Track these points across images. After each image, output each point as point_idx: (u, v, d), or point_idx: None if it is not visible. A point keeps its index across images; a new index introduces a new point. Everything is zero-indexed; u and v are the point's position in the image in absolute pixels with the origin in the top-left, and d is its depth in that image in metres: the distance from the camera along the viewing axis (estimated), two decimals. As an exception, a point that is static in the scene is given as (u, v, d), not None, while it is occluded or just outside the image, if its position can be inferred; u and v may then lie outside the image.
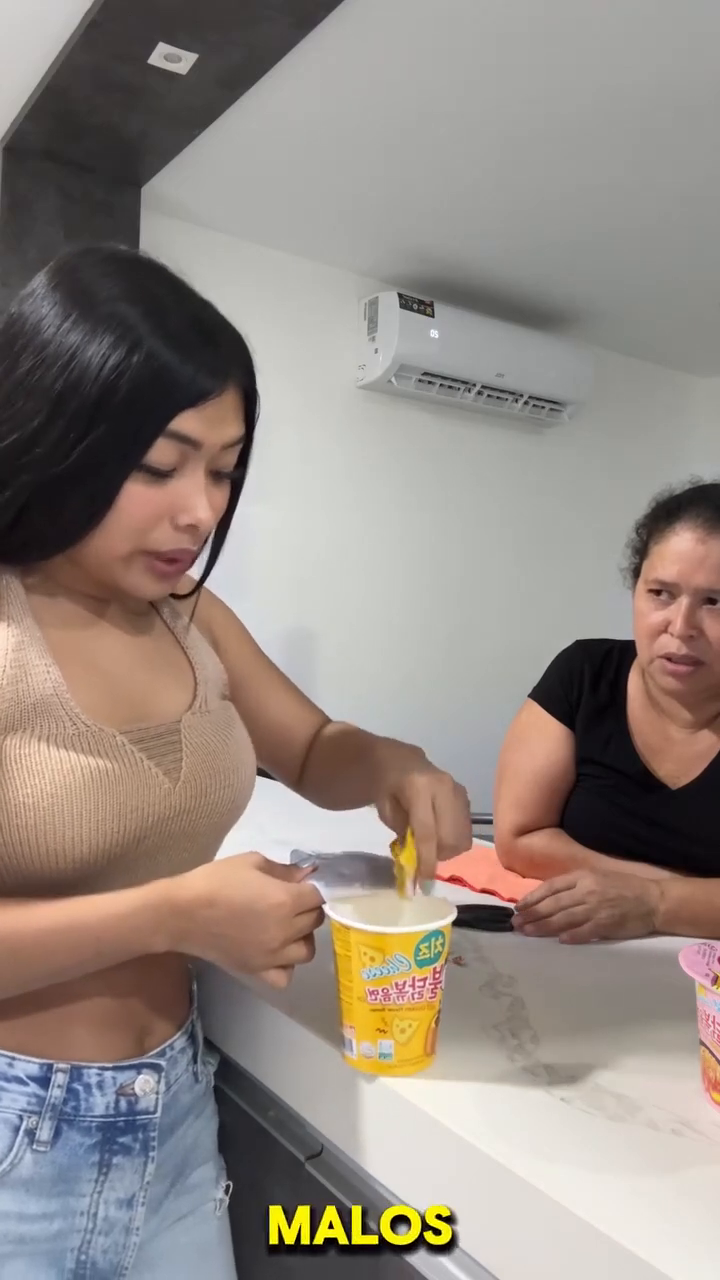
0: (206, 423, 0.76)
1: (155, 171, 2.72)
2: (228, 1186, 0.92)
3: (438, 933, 0.76)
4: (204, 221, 3.08)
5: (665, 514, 1.29)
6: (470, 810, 0.87)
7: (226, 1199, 0.92)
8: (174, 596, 0.95)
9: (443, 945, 0.77)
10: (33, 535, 0.77)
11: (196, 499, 0.77)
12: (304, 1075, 0.88)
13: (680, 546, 1.24)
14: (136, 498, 0.75)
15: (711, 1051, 0.74)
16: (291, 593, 3.31)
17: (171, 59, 2.14)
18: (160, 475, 0.76)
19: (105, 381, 0.72)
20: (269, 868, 0.76)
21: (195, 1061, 0.90)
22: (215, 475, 0.80)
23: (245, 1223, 0.94)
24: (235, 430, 0.79)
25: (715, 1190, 0.64)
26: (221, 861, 0.77)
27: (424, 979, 0.75)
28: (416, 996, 0.75)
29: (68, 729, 0.76)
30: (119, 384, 0.72)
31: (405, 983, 0.75)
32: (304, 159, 2.67)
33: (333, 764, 1.02)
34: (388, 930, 0.75)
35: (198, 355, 0.74)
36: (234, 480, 0.83)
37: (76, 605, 0.84)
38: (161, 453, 0.75)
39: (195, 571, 0.90)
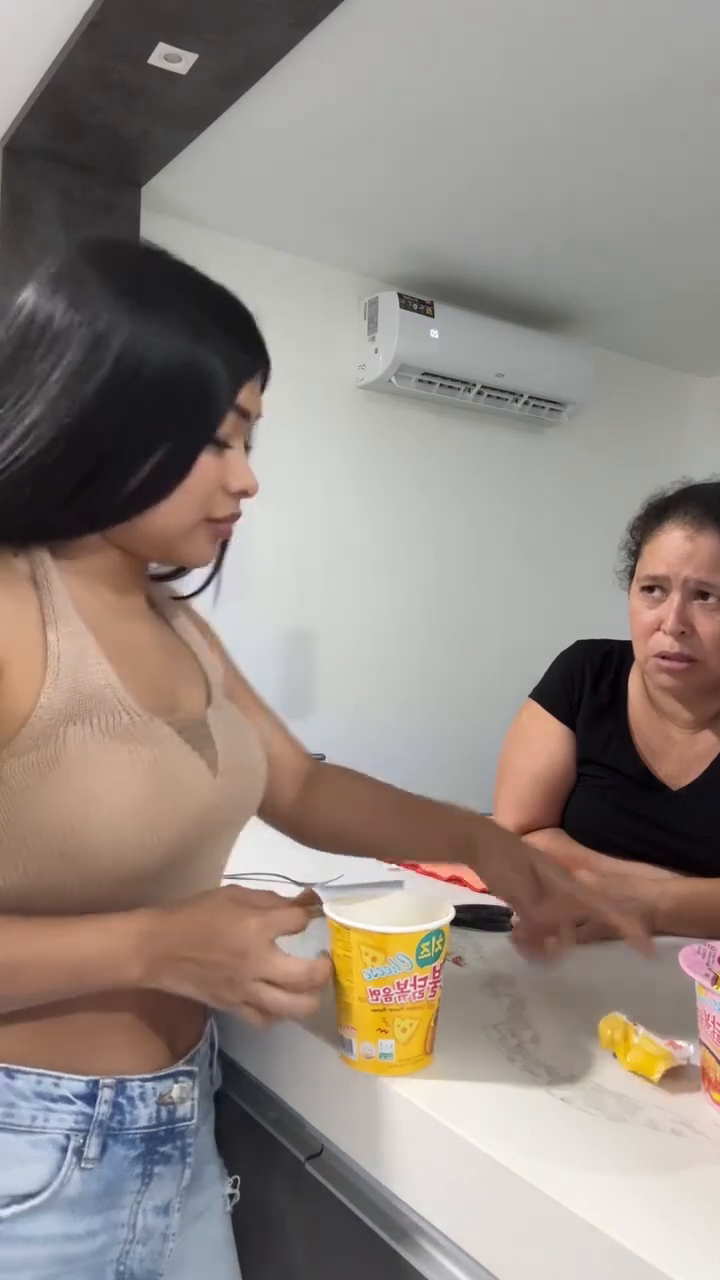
0: (254, 396, 0.83)
1: (155, 171, 2.72)
2: (235, 1181, 0.93)
3: (438, 932, 0.76)
4: (204, 221, 3.08)
5: (655, 514, 1.31)
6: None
7: (236, 1194, 0.92)
8: (173, 597, 0.96)
9: (442, 944, 0.77)
10: (91, 508, 0.78)
11: (245, 467, 0.84)
12: (304, 1075, 0.88)
13: (670, 543, 1.25)
14: (205, 467, 0.80)
15: (711, 1051, 0.74)
16: (291, 592, 3.31)
17: (171, 59, 2.14)
18: (221, 446, 0.81)
19: (187, 364, 0.76)
20: (244, 896, 0.75)
21: (210, 1065, 0.90)
22: (246, 448, 0.85)
23: (245, 1222, 0.94)
24: (263, 405, 0.86)
25: (715, 1190, 0.64)
26: (199, 892, 0.77)
27: (424, 978, 0.76)
28: (418, 996, 0.76)
29: (122, 720, 0.76)
30: (199, 365, 0.77)
31: (407, 982, 0.75)
32: (304, 159, 2.67)
33: (369, 816, 1.04)
34: (390, 930, 0.75)
35: (246, 332, 0.81)
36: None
37: (108, 595, 0.84)
38: (226, 425, 0.80)
39: (197, 578, 0.92)
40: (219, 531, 0.85)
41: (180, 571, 0.94)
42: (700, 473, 1.40)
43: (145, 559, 0.86)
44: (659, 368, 4.28)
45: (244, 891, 0.76)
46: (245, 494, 0.84)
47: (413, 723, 3.55)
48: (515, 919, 1.16)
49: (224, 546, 0.91)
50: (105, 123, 2.45)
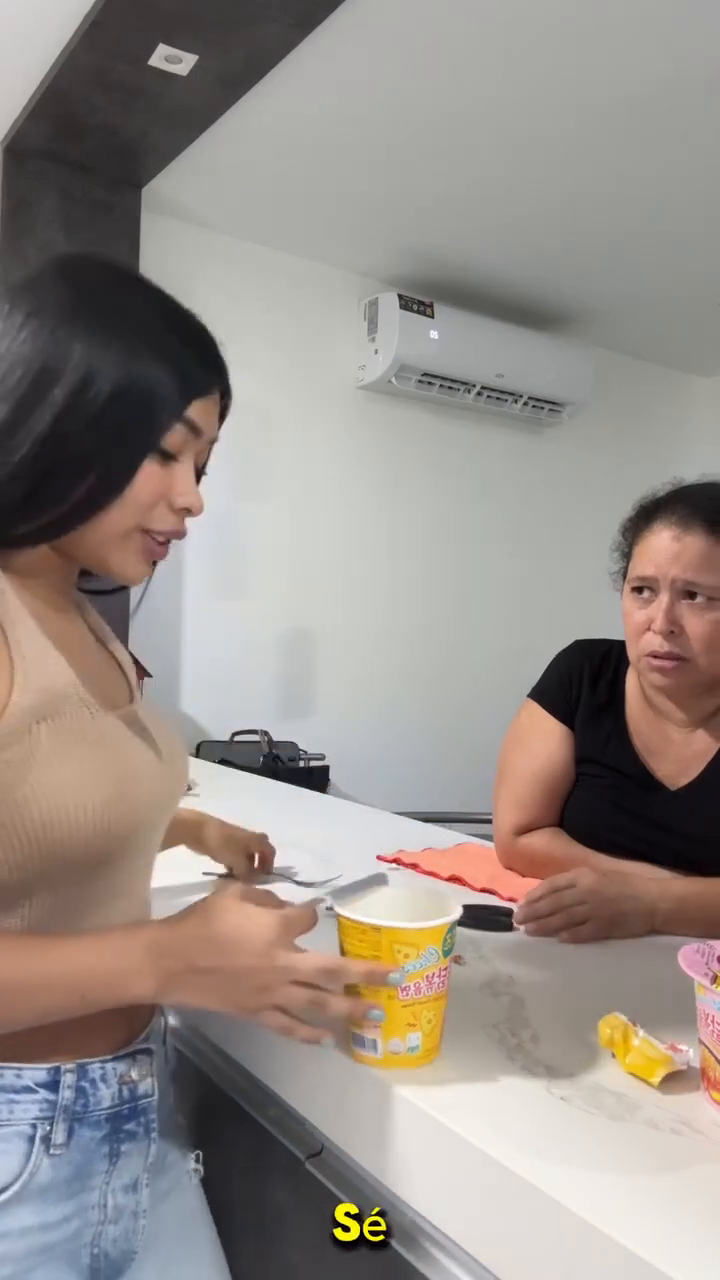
0: (207, 415, 0.83)
1: (155, 172, 2.73)
2: (198, 1155, 0.93)
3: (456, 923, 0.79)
4: (204, 221, 3.08)
5: (645, 515, 1.32)
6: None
7: (200, 1168, 0.93)
8: (87, 591, 0.97)
9: (455, 933, 0.79)
10: (39, 517, 0.78)
11: (190, 485, 0.83)
12: (304, 1075, 0.88)
13: (658, 544, 1.26)
14: (149, 476, 0.80)
15: (711, 1051, 0.74)
16: (291, 592, 3.31)
17: (172, 60, 2.15)
18: (168, 457, 0.81)
19: (133, 371, 0.77)
20: (253, 896, 0.76)
21: (165, 1042, 0.91)
22: (197, 470, 0.85)
23: (245, 1223, 0.94)
24: (217, 429, 0.86)
25: (715, 1190, 0.64)
26: (205, 898, 0.76)
27: (446, 968, 0.78)
28: (441, 986, 0.78)
29: (85, 716, 0.78)
30: (146, 373, 0.78)
31: (434, 974, 0.77)
32: (304, 159, 2.67)
33: None
34: (423, 925, 0.76)
35: (206, 352, 0.83)
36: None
37: (46, 593, 0.85)
38: (173, 436, 0.81)
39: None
40: (152, 550, 0.84)
41: (120, 589, 0.95)
42: (702, 472, 1.40)
43: (78, 565, 0.87)
44: (659, 368, 4.28)
45: (249, 892, 0.76)
46: (189, 512, 0.84)
47: (411, 722, 3.55)
48: (516, 917, 1.16)
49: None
50: (105, 123, 2.45)
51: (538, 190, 2.79)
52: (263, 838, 1.29)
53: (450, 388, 3.46)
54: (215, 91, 2.29)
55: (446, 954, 0.77)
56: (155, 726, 0.90)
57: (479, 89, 2.31)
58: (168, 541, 0.85)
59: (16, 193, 2.64)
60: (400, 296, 3.27)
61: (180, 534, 0.85)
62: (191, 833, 1.24)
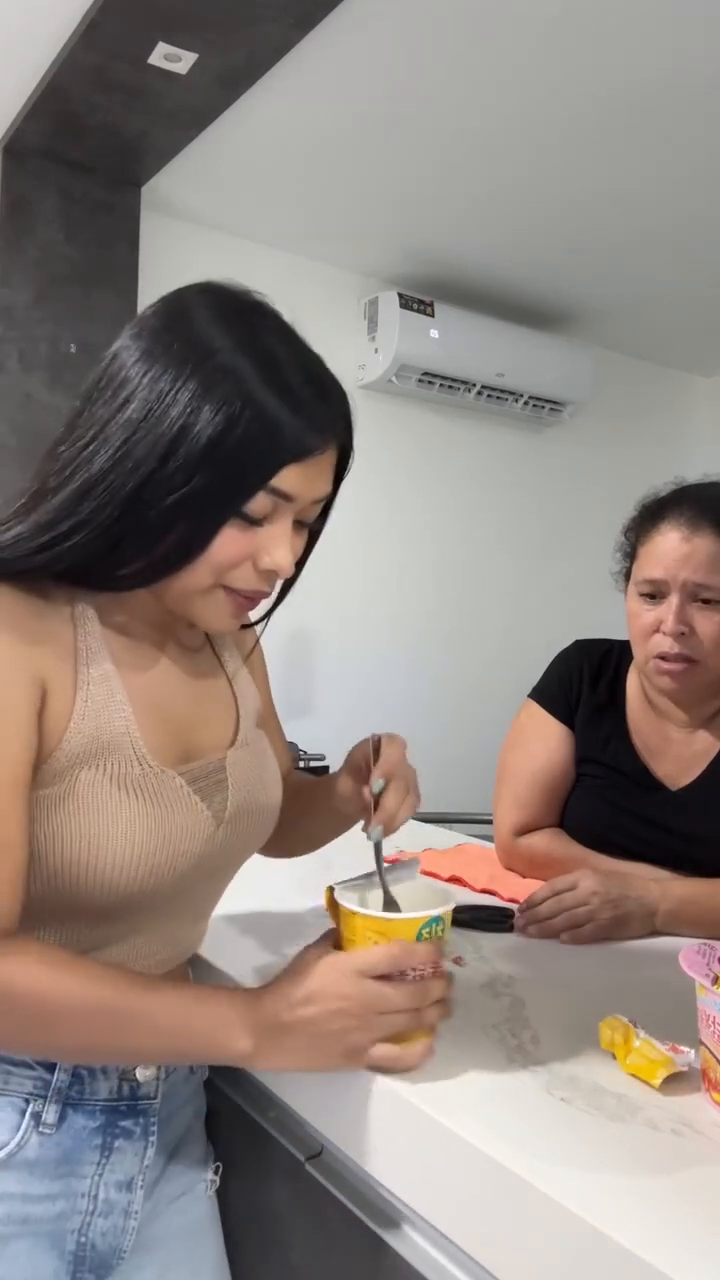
0: (304, 479, 0.77)
1: (155, 171, 2.73)
2: (217, 1167, 0.94)
3: (436, 919, 0.77)
4: (204, 221, 3.08)
5: (650, 516, 1.31)
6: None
7: (216, 1180, 0.94)
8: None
9: (443, 931, 0.78)
10: (126, 566, 0.78)
11: (281, 547, 0.78)
12: (304, 1075, 0.88)
13: (666, 545, 1.25)
14: (229, 541, 0.77)
15: (711, 1051, 0.74)
16: (291, 592, 3.30)
17: (171, 59, 2.14)
18: (253, 522, 0.77)
19: (215, 433, 0.72)
20: (324, 949, 0.76)
21: None
22: (299, 524, 0.81)
23: (245, 1223, 0.94)
24: (326, 488, 0.81)
25: (715, 1190, 0.64)
26: (316, 968, 0.74)
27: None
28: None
29: (135, 770, 0.77)
30: (228, 437, 0.73)
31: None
32: (304, 159, 2.67)
33: (293, 806, 1.02)
34: (395, 917, 0.77)
35: (306, 412, 0.75)
36: (312, 529, 0.85)
37: (145, 639, 0.85)
38: (259, 503, 0.76)
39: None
40: (238, 605, 0.82)
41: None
42: (700, 473, 1.40)
43: (167, 616, 0.85)
44: (659, 368, 4.28)
45: (320, 948, 0.77)
46: (273, 573, 0.80)
47: (411, 722, 3.53)
48: (517, 922, 1.16)
49: (286, 591, 0.91)
50: (105, 123, 2.45)
51: (538, 189, 2.79)
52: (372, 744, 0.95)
53: (450, 387, 3.46)
54: (215, 90, 2.28)
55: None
56: (244, 780, 0.87)
57: (479, 88, 2.31)
58: (253, 599, 0.82)
59: (16, 192, 2.64)
60: (400, 296, 3.27)
61: (264, 594, 0.83)
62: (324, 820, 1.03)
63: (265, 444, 0.74)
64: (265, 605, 0.90)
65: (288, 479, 0.76)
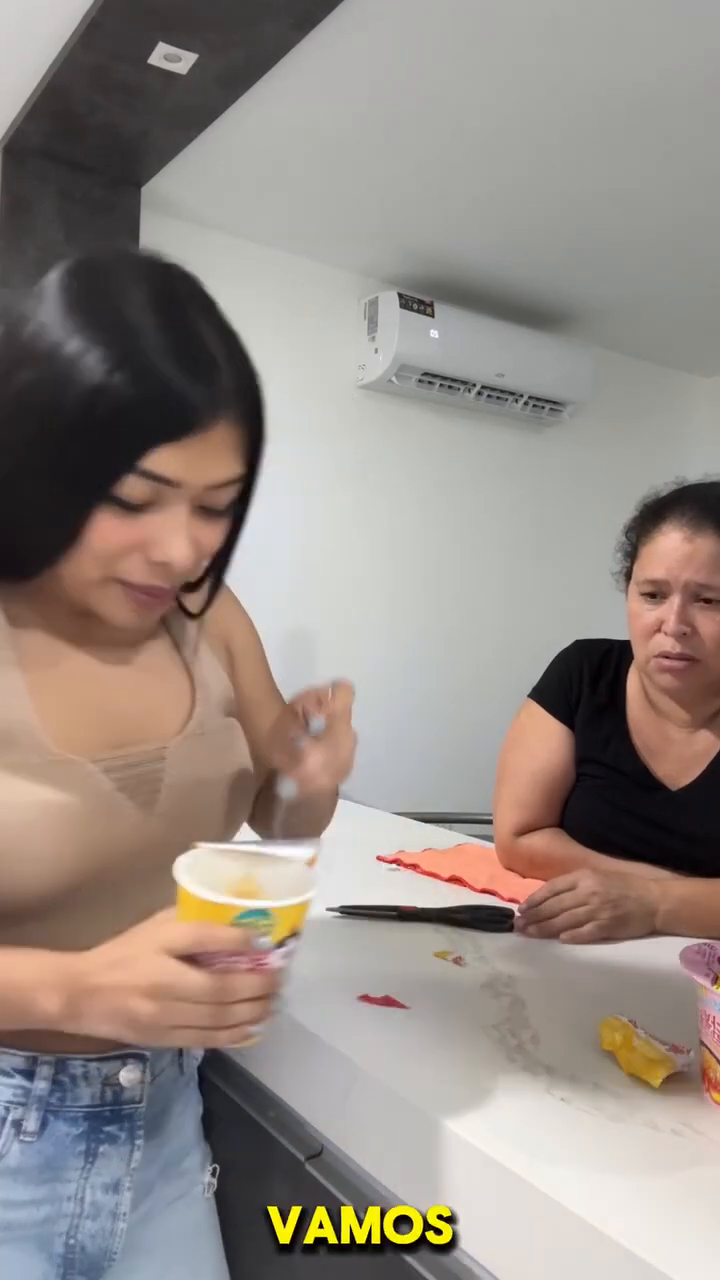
0: (188, 462, 0.69)
1: (155, 171, 2.72)
2: (214, 1170, 0.93)
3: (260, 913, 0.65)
4: (204, 221, 3.08)
5: (651, 515, 1.31)
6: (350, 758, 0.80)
7: (214, 1182, 0.93)
8: (185, 613, 0.91)
9: (270, 926, 0.65)
10: (7, 554, 0.75)
11: (172, 538, 0.71)
12: (304, 1075, 0.88)
13: (668, 546, 1.25)
14: (106, 530, 0.70)
15: (711, 1051, 0.74)
16: (290, 592, 3.31)
17: (171, 59, 2.14)
18: (132, 509, 0.70)
19: (71, 418, 0.67)
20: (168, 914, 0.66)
21: (180, 1053, 0.89)
22: (206, 510, 0.74)
23: (245, 1223, 0.94)
24: (226, 471, 0.73)
25: (715, 1190, 0.64)
26: (135, 932, 0.67)
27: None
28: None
29: (33, 760, 0.73)
30: (87, 420, 0.67)
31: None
32: (304, 159, 2.67)
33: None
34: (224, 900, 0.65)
35: (176, 389, 0.67)
36: (237, 512, 0.78)
37: (63, 626, 0.80)
38: (133, 488, 0.69)
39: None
40: (138, 600, 0.75)
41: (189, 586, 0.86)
42: (701, 472, 1.40)
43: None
44: (659, 368, 4.28)
45: (169, 911, 0.67)
46: (167, 566, 0.73)
47: (412, 722, 3.54)
48: (517, 923, 1.16)
49: (219, 578, 0.84)
50: (105, 122, 2.45)
51: (538, 190, 2.79)
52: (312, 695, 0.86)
53: (450, 387, 3.46)
54: (215, 90, 2.28)
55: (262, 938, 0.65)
56: (188, 772, 0.81)
57: (479, 89, 2.31)
58: (156, 594, 0.75)
59: (16, 192, 2.64)
60: (400, 296, 3.27)
61: (163, 589, 0.75)
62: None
63: (126, 425, 0.67)
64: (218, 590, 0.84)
65: (162, 462, 0.68)
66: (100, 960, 0.67)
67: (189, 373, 0.68)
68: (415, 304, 3.30)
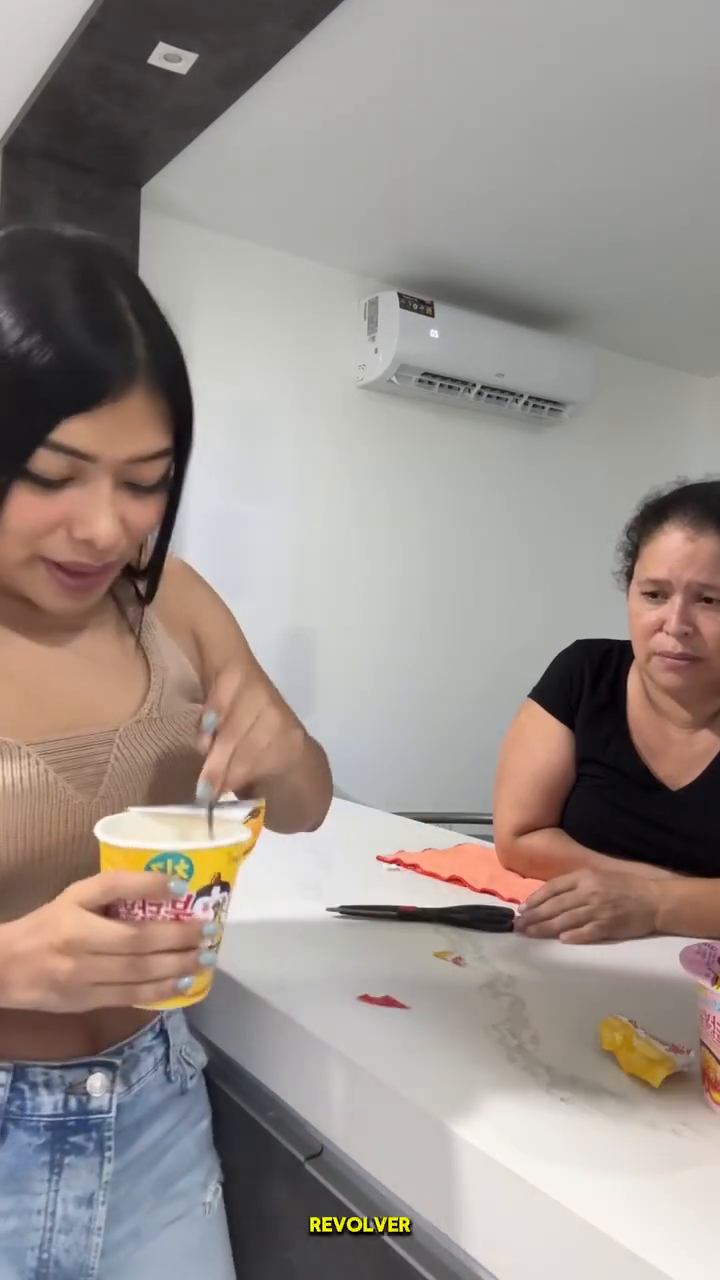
0: (101, 434, 0.67)
1: (155, 171, 2.73)
2: (216, 1189, 0.91)
3: (172, 856, 0.64)
4: (204, 221, 3.08)
5: (653, 515, 1.31)
6: (287, 741, 0.77)
7: (215, 1201, 0.90)
8: (139, 597, 0.89)
9: (187, 872, 0.64)
10: None
11: (94, 514, 0.69)
12: (304, 1075, 0.88)
13: (670, 545, 1.25)
14: (24, 506, 0.69)
15: (711, 1051, 0.74)
16: (291, 593, 3.31)
17: (171, 59, 2.14)
18: (50, 485, 0.68)
19: None
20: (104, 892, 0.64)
21: (167, 1061, 0.87)
22: (133, 487, 0.72)
23: (245, 1223, 0.94)
24: (146, 444, 0.70)
25: (715, 1190, 0.64)
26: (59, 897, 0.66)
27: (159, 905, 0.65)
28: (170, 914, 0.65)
29: None
30: (0, 379, 0.65)
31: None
32: (304, 159, 2.67)
33: None
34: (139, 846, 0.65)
35: (81, 356, 0.65)
36: (171, 490, 0.76)
37: (4, 611, 0.78)
38: (47, 462, 0.67)
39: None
40: (63, 580, 0.73)
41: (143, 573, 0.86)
42: (700, 473, 1.40)
43: None
44: (659, 368, 4.28)
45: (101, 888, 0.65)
46: (91, 544, 0.70)
47: (412, 722, 3.55)
48: (517, 923, 1.16)
49: (159, 560, 0.82)
50: (105, 123, 2.45)
51: (538, 190, 2.79)
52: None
53: (450, 387, 3.46)
54: (215, 90, 2.28)
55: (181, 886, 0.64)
56: (136, 752, 0.79)
57: (479, 89, 2.31)
58: (85, 575, 0.73)
59: (16, 192, 2.64)
60: (400, 296, 3.27)
61: (91, 568, 0.73)
62: None
63: (34, 395, 0.65)
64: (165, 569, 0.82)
65: (74, 434, 0.66)
66: (21, 928, 0.66)
67: (98, 339, 0.66)
68: (415, 304, 3.30)
